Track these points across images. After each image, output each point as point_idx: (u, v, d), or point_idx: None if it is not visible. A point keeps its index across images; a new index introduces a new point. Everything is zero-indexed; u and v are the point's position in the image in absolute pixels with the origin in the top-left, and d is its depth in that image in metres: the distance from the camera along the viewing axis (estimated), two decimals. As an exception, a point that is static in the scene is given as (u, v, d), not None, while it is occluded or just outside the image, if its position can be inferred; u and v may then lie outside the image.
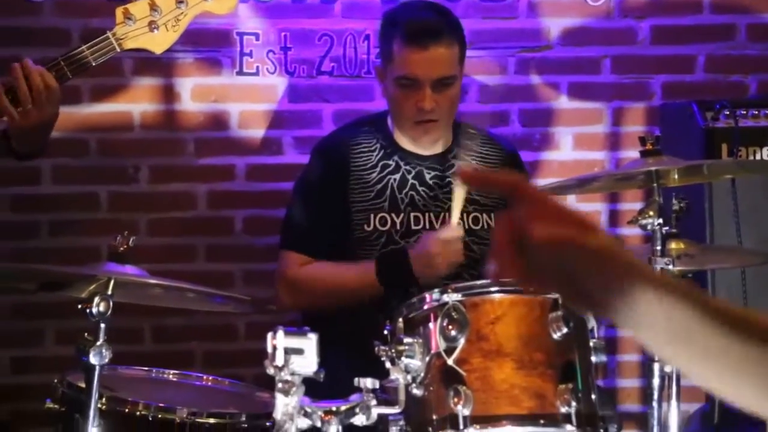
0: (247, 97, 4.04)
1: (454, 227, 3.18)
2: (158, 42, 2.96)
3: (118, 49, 2.93)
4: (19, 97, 2.88)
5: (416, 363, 2.32)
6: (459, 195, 3.21)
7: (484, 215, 3.38)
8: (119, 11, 2.93)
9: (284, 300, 3.38)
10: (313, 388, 2.12)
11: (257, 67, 4.02)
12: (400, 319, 2.42)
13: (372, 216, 3.33)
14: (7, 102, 2.88)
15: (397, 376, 2.31)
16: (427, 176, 3.38)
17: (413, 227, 3.33)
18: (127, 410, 2.69)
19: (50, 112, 2.93)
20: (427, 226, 3.34)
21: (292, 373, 2.05)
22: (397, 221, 3.33)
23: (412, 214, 3.34)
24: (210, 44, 3.95)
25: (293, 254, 3.36)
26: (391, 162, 3.38)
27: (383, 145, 3.39)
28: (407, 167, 3.38)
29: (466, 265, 3.28)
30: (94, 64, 2.92)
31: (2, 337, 3.98)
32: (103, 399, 2.62)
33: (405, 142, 3.39)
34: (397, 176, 3.36)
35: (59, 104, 2.96)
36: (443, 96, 3.29)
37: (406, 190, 3.35)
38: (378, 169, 3.37)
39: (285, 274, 3.37)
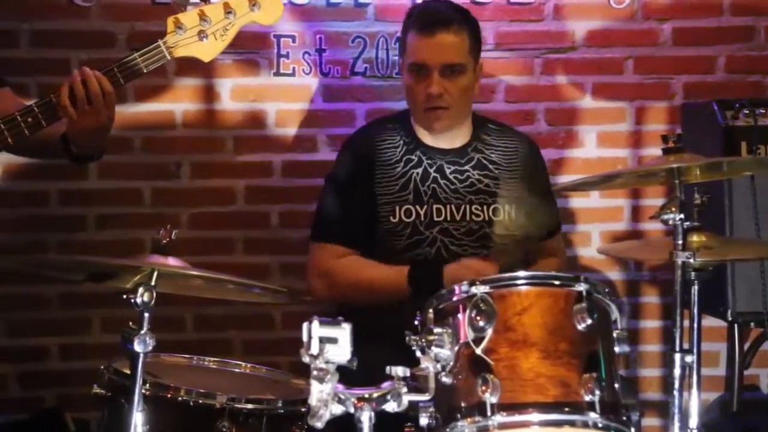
0: (284, 96, 4.12)
1: (493, 267, 3.21)
2: (207, 50, 3.03)
3: (169, 57, 3.00)
4: (77, 100, 2.95)
5: (446, 352, 2.34)
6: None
7: (506, 206, 3.44)
8: (170, 21, 2.99)
9: (316, 290, 3.43)
10: (346, 375, 2.18)
11: (293, 68, 4.10)
12: (431, 310, 2.45)
13: (397, 208, 3.39)
14: (69, 103, 2.96)
15: (427, 364, 2.33)
16: (448, 170, 3.43)
17: (436, 218, 3.38)
18: (169, 395, 2.75)
19: (106, 115, 3.00)
20: (449, 218, 3.39)
21: (327, 361, 2.12)
22: (421, 213, 3.39)
23: (434, 206, 3.40)
24: (248, 46, 4.02)
25: (326, 246, 3.41)
26: (414, 157, 3.43)
27: (406, 141, 3.45)
28: (429, 161, 3.43)
29: (489, 255, 3.36)
30: (145, 71, 2.99)
31: (51, 326, 4.08)
32: (147, 385, 2.68)
33: (426, 137, 3.45)
34: (420, 170, 3.42)
35: (114, 109, 3.03)
36: (453, 84, 3.35)
37: (429, 182, 3.41)
38: (402, 163, 3.43)
39: (317, 266, 3.42)
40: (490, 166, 3.48)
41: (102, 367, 2.86)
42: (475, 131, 3.52)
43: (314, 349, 2.12)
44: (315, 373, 2.12)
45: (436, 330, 2.36)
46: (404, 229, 3.39)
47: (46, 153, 3.30)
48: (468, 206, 3.42)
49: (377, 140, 3.46)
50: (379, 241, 3.40)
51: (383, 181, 3.42)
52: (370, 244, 3.41)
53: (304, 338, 2.13)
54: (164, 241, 2.62)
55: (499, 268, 3.20)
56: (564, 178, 4.16)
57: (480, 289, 2.38)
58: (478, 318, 2.34)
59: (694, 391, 2.84)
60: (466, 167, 3.46)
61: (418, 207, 3.40)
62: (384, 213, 3.40)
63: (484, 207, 3.43)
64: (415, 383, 2.32)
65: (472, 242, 3.41)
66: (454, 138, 3.47)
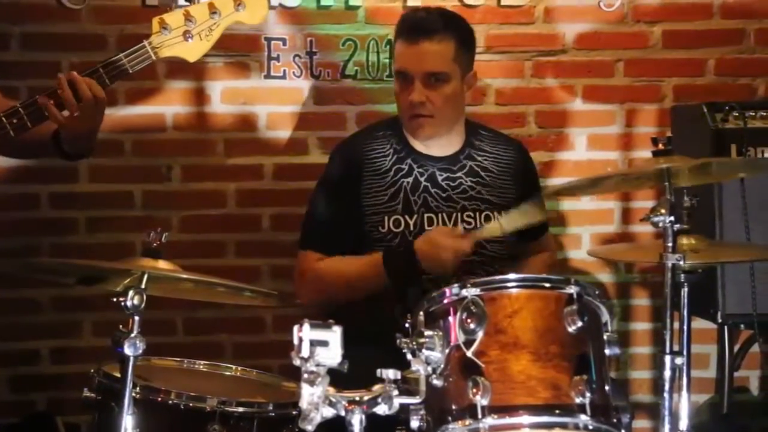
0: (275, 99, 4.12)
1: (459, 229, 3.25)
2: (192, 51, 3.02)
3: (154, 58, 2.99)
4: (66, 106, 2.94)
5: (436, 355, 2.34)
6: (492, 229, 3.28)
7: (495, 213, 3.42)
8: (155, 21, 2.99)
9: (302, 297, 3.44)
10: (337, 378, 2.17)
11: (284, 71, 4.10)
12: (421, 313, 2.45)
13: (386, 218, 3.39)
14: (56, 111, 2.95)
15: (418, 367, 2.32)
16: (440, 177, 3.43)
17: (426, 227, 3.37)
18: (159, 399, 2.74)
19: (97, 119, 3.00)
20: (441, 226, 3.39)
21: (318, 364, 2.11)
22: (411, 222, 3.38)
23: (425, 215, 3.39)
24: (239, 49, 4.02)
25: (311, 253, 3.42)
26: (404, 165, 3.43)
27: (397, 149, 3.45)
28: (420, 170, 3.43)
29: (480, 263, 3.37)
30: (131, 71, 2.98)
31: (42, 329, 4.08)
32: (137, 388, 2.67)
33: (417, 145, 3.45)
34: (410, 179, 3.42)
35: (104, 111, 3.02)
36: (436, 92, 3.34)
37: (419, 192, 3.41)
38: (392, 172, 3.42)
39: (302, 272, 3.44)
40: (482, 173, 3.47)
41: (92, 370, 2.85)
42: (468, 138, 3.52)
43: (305, 352, 2.11)
44: (306, 376, 2.11)
45: (427, 333, 2.36)
46: (393, 239, 3.39)
47: (37, 152, 3.30)
48: (459, 214, 3.42)
49: (366, 149, 3.46)
50: (368, 250, 3.39)
51: (372, 191, 3.42)
52: (359, 254, 3.40)
53: (295, 341, 2.12)
54: (155, 244, 2.62)
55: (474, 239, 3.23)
56: (554, 181, 4.17)
57: (471, 292, 2.39)
58: (469, 320, 2.34)
59: (684, 393, 2.86)
60: (458, 174, 3.46)
61: (407, 217, 3.40)
62: (373, 223, 3.40)
63: (476, 214, 3.42)
64: (406, 386, 2.31)
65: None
66: (447, 145, 3.47)
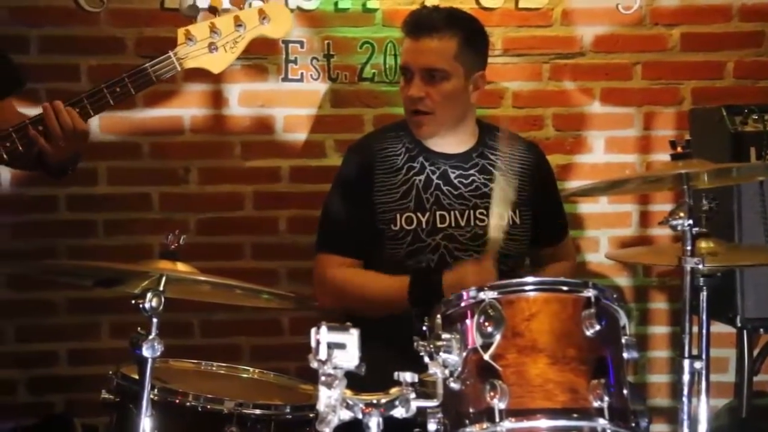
0: (292, 102, 4.13)
1: (490, 269, 3.20)
2: (217, 62, 3.06)
3: (179, 69, 3.03)
4: (50, 134, 2.98)
5: (454, 358, 2.33)
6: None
7: (510, 211, 3.43)
8: (181, 32, 3.03)
9: (322, 301, 3.44)
10: (355, 381, 2.18)
11: (302, 74, 4.10)
12: (438, 316, 2.43)
13: (398, 216, 3.40)
14: (44, 141, 2.98)
15: (435, 370, 2.32)
16: (452, 175, 3.44)
17: (439, 225, 3.39)
18: (177, 401, 2.74)
19: (80, 146, 3.05)
20: (453, 224, 3.40)
21: (335, 367, 2.12)
22: (423, 220, 3.40)
23: (437, 213, 3.40)
24: (257, 52, 4.00)
25: (329, 257, 3.43)
26: (416, 164, 3.44)
27: (409, 148, 3.46)
28: (432, 167, 3.44)
29: (496, 260, 3.31)
30: (156, 81, 3.02)
31: (60, 331, 4.09)
32: (155, 390, 2.68)
33: (429, 142, 3.46)
34: (422, 177, 3.43)
35: (88, 138, 3.06)
36: (435, 89, 3.36)
37: (432, 189, 3.42)
38: (403, 171, 3.43)
39: (322, 277, 3.44)
40: (496, 172, 3.47)
41: (110, 372, 2.86)
42: (482, 137, 3.52)
43: (322, 354, 2.12)
44: (323, 378, 2.12)
45: (444, 336, 2.36)
46: (405, 236, 3.40)
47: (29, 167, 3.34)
48: (472, 211, 3.42)
49: (378, 149, 3.48)
50: (381, 248, 3.41)
51: (383, 189, 3.43)
52: (372, 251, 3.42)
53: (313, 344, 2.13)
54: (173, 247, 2.63)
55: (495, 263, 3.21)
56: (572, 184, 4.16)
57: (488, 295, 2.37)
58: (487, 324, 2.33)
59: (703, 397, 2.84)
60: (471, 171, 3.46)
61: (419, 214, 3.41)
62: (385, 221, 3.41)
63: (489, 211, 3.42)
64: (424, 389, 2.32)
65: (478, 247, 3.41)
66: (458, 143, 3.48)
